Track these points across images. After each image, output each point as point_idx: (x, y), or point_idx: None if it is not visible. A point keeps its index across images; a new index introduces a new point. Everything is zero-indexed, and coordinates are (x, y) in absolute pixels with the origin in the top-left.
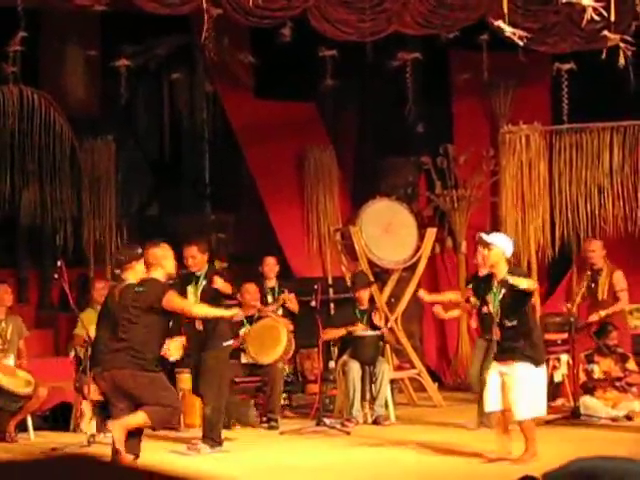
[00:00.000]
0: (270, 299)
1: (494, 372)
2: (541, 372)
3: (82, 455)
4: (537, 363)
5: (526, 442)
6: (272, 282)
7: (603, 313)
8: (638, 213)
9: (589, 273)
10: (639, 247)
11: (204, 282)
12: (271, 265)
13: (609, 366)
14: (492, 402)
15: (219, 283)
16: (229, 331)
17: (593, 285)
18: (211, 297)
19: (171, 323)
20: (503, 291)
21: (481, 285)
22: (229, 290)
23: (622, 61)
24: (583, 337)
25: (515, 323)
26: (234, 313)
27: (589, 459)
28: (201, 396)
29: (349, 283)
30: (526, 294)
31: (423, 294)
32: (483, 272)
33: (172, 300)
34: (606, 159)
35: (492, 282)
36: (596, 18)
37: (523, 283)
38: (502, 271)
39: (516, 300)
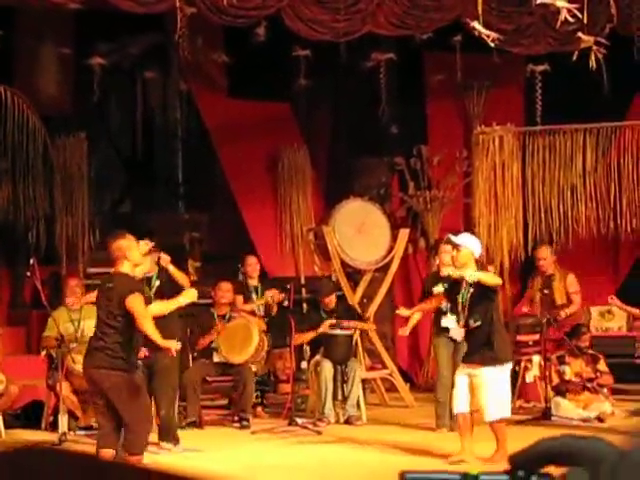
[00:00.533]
0: (254, 297)
1: (461, 374)
2: (506, 371)
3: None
4: (502, 363)
5: (497, 442)
6: (255, 281)
7: (568, 311)
8: (610, 214)
9: (539, 279)
10: (611, 248)
11: (157, 282)
12: (253, 264)
13: (580, 367)
14: (461, 403)
15: (172, 268)
16: (179, 331)
17: (547, 291)
18: (168, 295)
19: None
20: (471, 291)
21: (453, 288)
22: (186, 280)
23: (593, 63)
24: (552, 340)
25: (480, 323)
26: (189, 296)
27: (557, 438)
28: (155, 397)
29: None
30: (491, 293)
31: (402, 311)
32: (444, 272)
33: (133, 303)
34: (579, 161)
35: (461, 283)
36: (570, 20)
37: (490, 278)
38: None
39: (482, 300)
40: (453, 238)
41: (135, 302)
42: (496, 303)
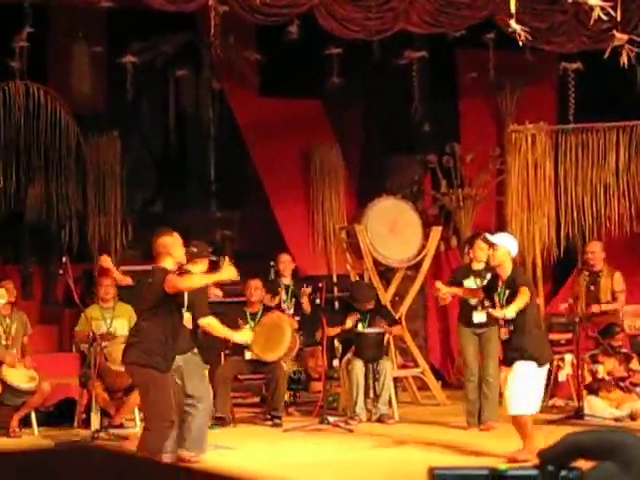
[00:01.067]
0: (284, 297)
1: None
2: (542, 372)
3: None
4: (539, 362)
5: (522, 439)
6: (287, 280)
7: (603, 307)
8: None
9: (587, 274)
10: None
11: None
12: (286, 262)
13: (613, 366)
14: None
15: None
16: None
17: (592, 287)
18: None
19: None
20: (507, 292)
21: (491, 286)
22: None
23: (625, 61)
24: (585, 338)
25: (518, 322)
26: (229, 273)
27: (587, 432)
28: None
29: (350, 293)
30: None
31: (441, 285)
32: (476, 266)
33: (171, 280)
34: (612, 159)
35: (497, 282)
36: (604, 17)
37: (522, 304)
38: (507, 270)
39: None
40: (490, 237)
41: (172, 278)
42: (534, 302)
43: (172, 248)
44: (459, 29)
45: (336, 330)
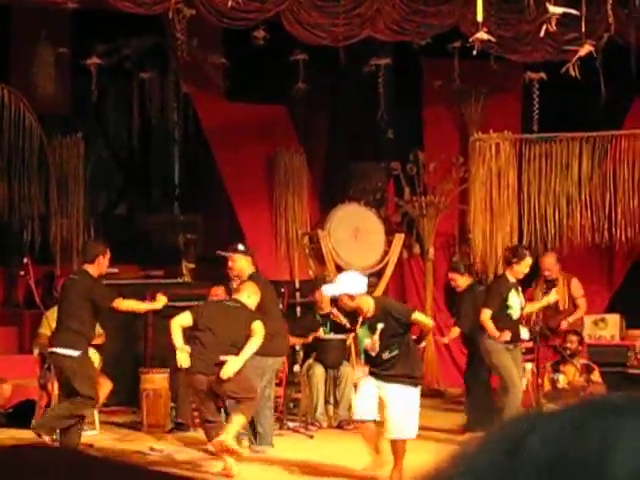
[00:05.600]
0: None
1: (372, 385)
2: (418, 392)
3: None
4: (417, 385)
5: (395, 460)
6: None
7: (571, 319)
8: (605, 223)
9: (544, 285)
10: (605, 257)
11: None
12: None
13: (574, 376)
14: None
15: None
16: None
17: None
18: None
19: None
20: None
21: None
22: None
23: (576, 74)
24: (545, 347)
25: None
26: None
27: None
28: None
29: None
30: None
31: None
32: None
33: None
34: (575, 169)
35: None
36: (551, 27)
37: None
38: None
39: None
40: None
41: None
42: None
43: None
44: (425, 37)
45: (305, 339)
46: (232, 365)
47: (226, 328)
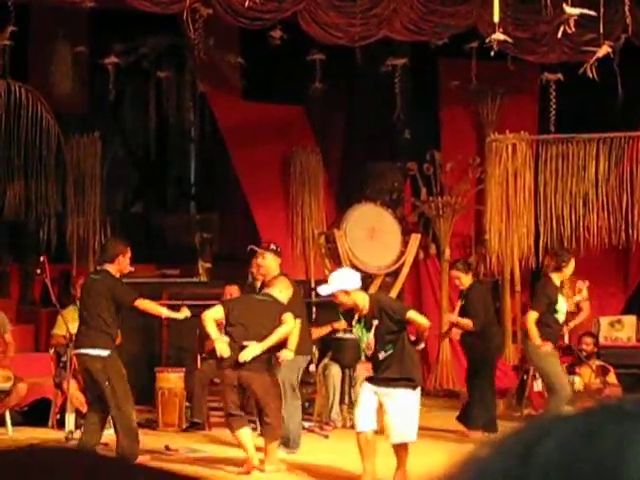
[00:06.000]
0: None
1: (370, 392)
2: (417, 395)
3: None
4: (415, 387)
5: (399, 463)
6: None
7: (572, 324)
8: (622, 225)
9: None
10: (622, 259)
11: None
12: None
13: (590, 378)
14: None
15: None
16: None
17: None
18: None
19: None
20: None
21: None
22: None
23: (595, 76)
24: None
25: (391, 352)
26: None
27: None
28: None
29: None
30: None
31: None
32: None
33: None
34: (592, 170)
35: None
36: (571, 29)
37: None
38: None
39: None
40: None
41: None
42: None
43: None
44: (442, 37)
45: (326, 329)
46: (252, 349)
47: (257, 323)
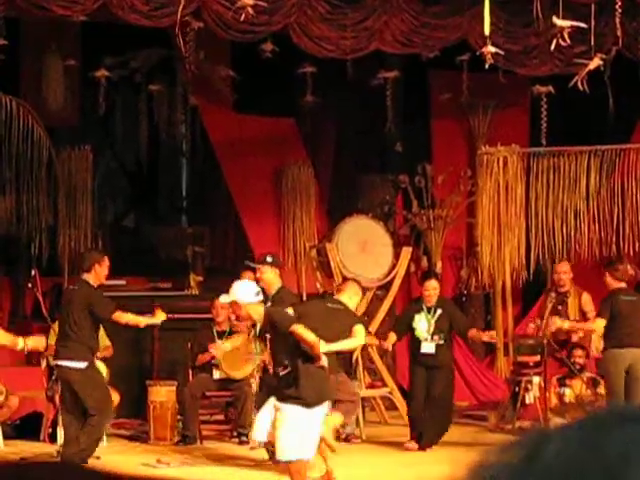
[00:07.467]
0: None
1: (270, 405)
2: (312, 414)
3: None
4: (308, 405)
5: None
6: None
7: (582, 334)
8: (613, 237)
9: (553, 295)
10: None
11: None
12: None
13: (581, 390)
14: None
15: None
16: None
17: (560, 307)
18: None
19: None
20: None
21: None
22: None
23: (585, 88)
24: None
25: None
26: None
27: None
28: None
29: None
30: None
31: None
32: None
33: None
34: (583, 183)
35: None
36: (566, 42)
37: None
38: None
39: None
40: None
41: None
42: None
43: None
44: (433, 50)
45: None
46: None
47: (327, 330)
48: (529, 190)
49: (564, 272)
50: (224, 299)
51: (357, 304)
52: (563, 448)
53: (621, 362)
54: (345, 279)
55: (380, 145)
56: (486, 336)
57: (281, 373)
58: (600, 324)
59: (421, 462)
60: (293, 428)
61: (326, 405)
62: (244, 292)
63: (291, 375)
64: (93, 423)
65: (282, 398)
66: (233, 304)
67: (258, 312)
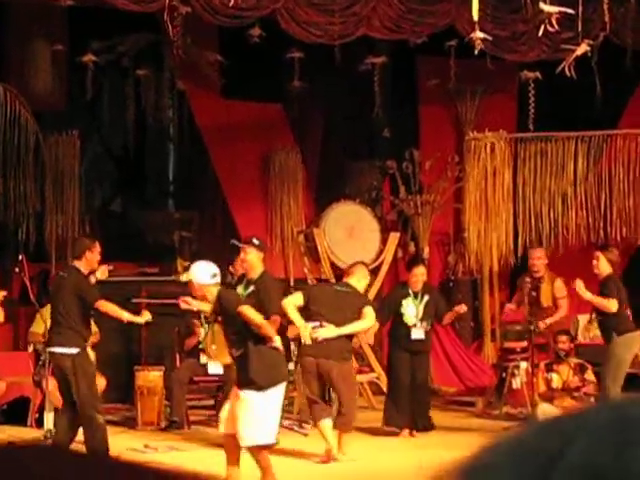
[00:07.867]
0: None
1: (235, 394)
2: (268, 397)
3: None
4: (260, 388)
5: (261, 471)
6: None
7: (548, 321)
8: (600, 223)
9: (528, 280)
10: None
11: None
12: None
13: (568, 376)
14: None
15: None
16: None
17: (534, 293)
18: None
19: None
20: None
21: None
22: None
23: (572, 73)
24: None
25: (242, 352)
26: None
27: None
28: None
29: None
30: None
31: None
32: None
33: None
34: (570, 168)
35: None
36: (555, 27)
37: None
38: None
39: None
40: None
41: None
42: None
43: None
44: (421, 36)
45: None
46: (327, 331)
47: (337, 313)
48: (516, 176)
49: (538, 257)
50: (183, 278)
51: (365, 286)
52: (587, 454)
53: (635, 346)
54: (354, 263)
55: (368, 131)
56: (455, 311)
57: (235, 354)
58: (614, 305)
59: (409, 447)
60: (250, 414)
61: (282, 387)
62: (201, 273)
63: (242, 359)
64: (85, 422)
65: (239, 384)
66: (190, 284)
67: (212, 294)
